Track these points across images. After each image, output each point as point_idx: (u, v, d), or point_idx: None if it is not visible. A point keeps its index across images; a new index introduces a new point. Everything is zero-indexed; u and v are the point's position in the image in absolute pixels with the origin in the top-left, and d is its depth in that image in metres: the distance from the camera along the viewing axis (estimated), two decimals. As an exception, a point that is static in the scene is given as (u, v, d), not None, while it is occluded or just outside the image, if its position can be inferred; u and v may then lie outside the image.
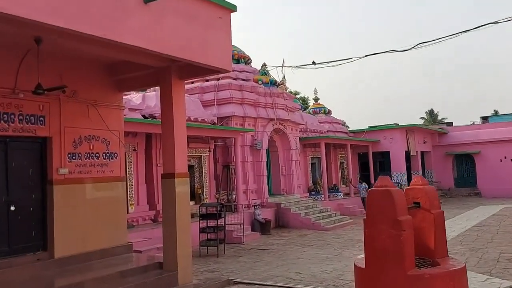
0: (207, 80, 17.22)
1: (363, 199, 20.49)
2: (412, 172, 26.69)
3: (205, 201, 14.76)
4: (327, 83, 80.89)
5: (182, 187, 8.09)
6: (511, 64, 76.22)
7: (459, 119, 74.67)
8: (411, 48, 11.70)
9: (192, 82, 17.13)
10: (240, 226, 13.61)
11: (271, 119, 17.74)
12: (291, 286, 8.09)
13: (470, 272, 7.51)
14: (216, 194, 15.85)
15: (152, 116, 13.76)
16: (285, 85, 19.13)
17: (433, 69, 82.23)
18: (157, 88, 11.41)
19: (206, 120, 15.73)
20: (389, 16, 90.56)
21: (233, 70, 14.31)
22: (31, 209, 7.84)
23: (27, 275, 7.29)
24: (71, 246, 8.09)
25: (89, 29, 5.68)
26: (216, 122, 16.22)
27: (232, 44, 8.48)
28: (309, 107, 27.93)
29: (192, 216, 11.36)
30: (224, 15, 7.81)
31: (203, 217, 11.88)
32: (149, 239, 11.25)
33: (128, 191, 12.32)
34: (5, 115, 7.37)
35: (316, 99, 27.01)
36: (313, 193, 20.89)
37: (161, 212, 8.93)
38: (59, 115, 8.14)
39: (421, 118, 55.18)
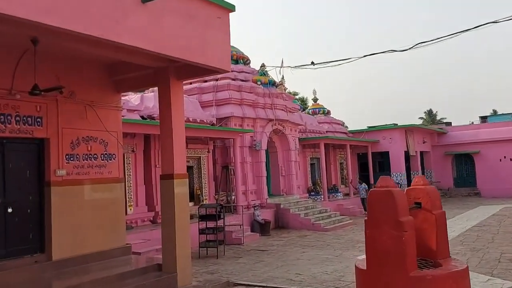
0: (205, 81, 17.17)
1: (362, 200, 20.48)
2: (411, 172, 26.68)
3: (204, 202, 14.68)
4: (326, 84, 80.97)
5: (181, 188, 8.04)
6: (510, 64, 76.32)
7: (458, 119, 74.84)
8: (410, 48, 11.67)
9: (191, 83, 17.08)
10: (240, 227, 13.55)
11: (270, 120, 17.69)
12: (291, 287, 8.03)
13: (472, 272, 7.44)
14: (215, 195, 15.79)
15: (151, 117, 13.70)
16: (284, 86, 19.09)
17: (431, 69, 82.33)
18: (156, 88, 11.38)
19: (205, 121, 15.68)
20: (389, 16, 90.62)
21: (232, 71, 14.24)
22: (28, 211, 7.77)
23: (25, 278, 7.23)
24: (69, 248, 8.02)
25: (86, 29, 5.62)
26: (215, 123, 16.16)
27: (231, 44, 8.43)
28: (308, 108, 27.92)
29: (191, 217, 11.31)
30: (223, 15, 7.76)
31: (202, 218, 11.82)
32: (148, 241, 11.18)
33: (127, 192, 12.26)
34: (1, 116, 7.31)
35: (315, 100, 27.00)
36: (312, 193, 20.84)
37: (160, 213, 8.88)
38: (56, 116, 8.08)
39: (420, 118, 55.22)
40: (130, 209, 12.59)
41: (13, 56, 7.34)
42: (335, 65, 13.57)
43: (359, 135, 26.49)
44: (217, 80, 16.81)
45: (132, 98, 14.39)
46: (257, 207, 15.70)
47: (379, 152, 26.42)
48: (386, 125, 28.35)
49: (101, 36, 5.81)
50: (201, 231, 11.65)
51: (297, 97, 37.78)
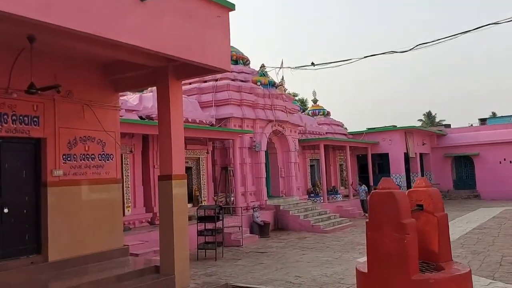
0: (205, 81, 17.11)
1: (362, 202, 20.42)
2: (411, 174, 26.63)
3: (203, 204, 14.60)
4: (326, 84, 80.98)
5: (179, 189, 7.95)
6: (509, 65, 76.39)
7: (457, 121, 74.82)
8: (410, 49, 11.61)
9: (190, 83, 17.02)
10: (239, 229, 13.46)
11: (270, 121, 17.61)
12: (290, 290, 7.95)
13: (473, 276, 7.34)
14: (214, 196, 15.71)
15: (149, 117, 13.62)
16: (284, 87, 19.03)
17: (431, 70, 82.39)
18: (154, 88, 11.29)
19: (204, 122, 15.60)
20: (389, 16, 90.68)
21: (231, 71, 14.19)
22: (24, 211, 7.68)
23: (21, 279, 7.14)
24: (65, 249, 7.92)
25: (83, 27, 5.53)
26: (214, 123, 16.09)
27: (231, 45, 8.35)
28: (308, 109, 27.86)
29: (190, 218, 11.22)
30: (223, 14, 7.68)
31: (201, 219, 11.74)
32: (146, 242, 11.09)
33: (125, 193, 12.18)
34: (-2, 115, 7.22)
35: (315, 101, 26.96)
36: (312, 195, 20.76)
37: (158, 214, 8.79)
38: (53, 116, 7.99)
39: (419, 120, 55.25)
40: (128, 210, 12.51)
41: (10, 54, 7.24)
42: (335, 66, 13.53)
43: (359, 137, 26.44)
44: (216, 80, 16.75)
45: (130, 98, 14.31)
46: (256, 209, 15.62)
47: (378, 154, 26.37)
48: (386, 126, 28.31)
49: (99, 35, 5.72)
50: (200, 233, 11.57)
51: (296, 98, 37.74)
